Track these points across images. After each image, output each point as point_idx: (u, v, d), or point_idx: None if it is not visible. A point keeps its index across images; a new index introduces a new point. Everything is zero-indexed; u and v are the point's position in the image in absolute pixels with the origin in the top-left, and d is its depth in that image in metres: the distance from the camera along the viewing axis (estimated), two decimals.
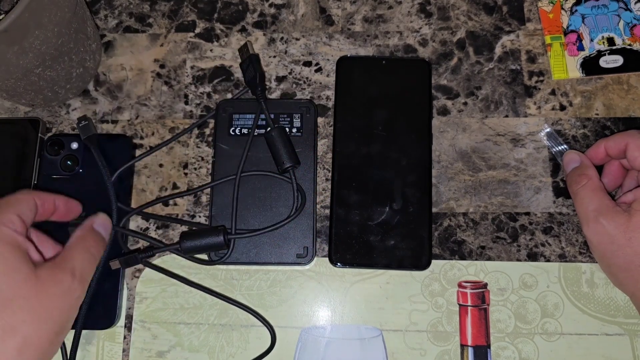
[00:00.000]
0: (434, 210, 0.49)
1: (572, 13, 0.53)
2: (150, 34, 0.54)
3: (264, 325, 0.46)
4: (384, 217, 0.47)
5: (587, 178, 0.44)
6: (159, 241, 0.49)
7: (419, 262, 0.47)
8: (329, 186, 0.49)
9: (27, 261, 0.35)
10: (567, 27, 0.52)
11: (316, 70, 0.53)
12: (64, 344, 0.45)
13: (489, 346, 0.46)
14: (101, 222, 0.44)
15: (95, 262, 0.41)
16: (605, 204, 0.42)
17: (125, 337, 0.47)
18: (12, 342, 0.33)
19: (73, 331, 0.45)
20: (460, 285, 0.47)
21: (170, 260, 0.48)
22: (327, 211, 0.49)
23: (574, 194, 0.45)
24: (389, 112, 0.50)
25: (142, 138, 0.51)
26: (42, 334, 0.34)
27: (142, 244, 0.49)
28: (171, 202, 0.50)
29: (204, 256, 0.47)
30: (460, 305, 0.47)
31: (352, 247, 0.47)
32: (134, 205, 0.50)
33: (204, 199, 0.50)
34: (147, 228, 0.49)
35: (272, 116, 0.50)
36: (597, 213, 0.42)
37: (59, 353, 0.45)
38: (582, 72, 0.51)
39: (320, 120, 0.51)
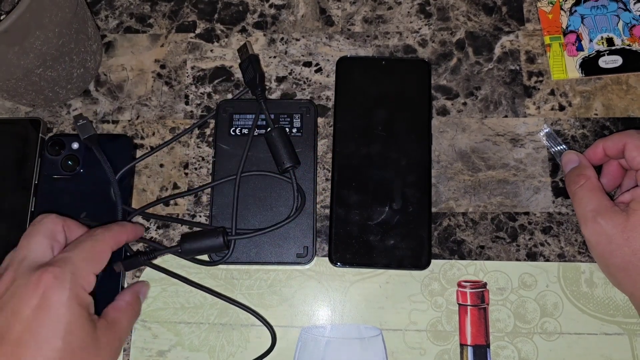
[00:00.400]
0: (433, 210, 0.49)
1: (571, 13, 0.53)
2: (151, 34, 0.54)
3: (264, 325, 0.46)
4: (384, 217, 0.47)
5: (585, 178, 0.44)
6: (159, 244, 0.49)
7: (419, 262, 0.47)
8: (329, 186, 0.50)
9: (91, 320, 0.38)
10: (567, 28, 0.53)
11: (316, 71, 0.53)
12: None
13: (488, 345, 0.46)
14: (145, 292, 0.47)
15: (132, 327, 0.45)
16: (604, 204, 0.43)
17: None
18: None
19: None
20: (459, 285, 0.47)
21: (170, 260, 0.48)
22: (327, 211, 0.49)
23: (573, 194, 0.45)
24: (388, 113, 0.50)
25: (142, 138, 0.52)
26: None
27: (142, 245, 0.49)
28: (172, 202, 0.50)
29: (205, 256, 0.47)
30: (459, 304, 0.47)
31: (352, 247, 0.47)
32: (134, 205, 0.50)
33: (205, 199, 0.50)
34: (148, 228, 0.50)
35: (272, 116, 0.50)
36: (595, 213, 0.42)
37: None
38: (582, 73, 0.51)
39: (320, 120, 0.51)
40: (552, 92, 0.51)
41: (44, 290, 0.36)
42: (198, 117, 0.52)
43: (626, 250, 0.41)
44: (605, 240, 0.42)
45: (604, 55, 0.52)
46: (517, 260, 0.48)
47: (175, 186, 0.50)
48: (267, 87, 0.52)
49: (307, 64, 0.53)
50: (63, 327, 0.35)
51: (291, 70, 0.53)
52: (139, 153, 0.51)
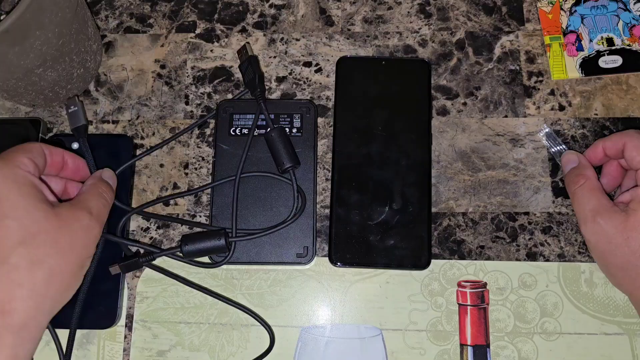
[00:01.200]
0: (433, 210, 0.49)
1: (571, 13, 0.53)
2: (151, 34, 0.54)
3: (263, 326, 0.46)
4: (384, 216, 0.47)
5: (584, 178, 0.44)
6: (157, 247, 0.49)
7: (419, 262, 0.47)
8: (329, 186, 0.50)
9: (44, 200, 0.37)
10: (567, 28, 0.53)
11: (316, 71, 0.53)
12: (59, 343, 0.45)
13: (488, 345, 0.46)
14: (109, 175, 0.46)
15: (108, 206, 0.43)
16: (603, 204, 0.42)
17: (126, 337, 0.47)
18: (39, 273, 0.35)
19: (68, 330, 0.45)
20: (459, 285, 0.47)
21: (170, 260, 0.48)
22: (327, 211, 0.49)
23: (572, 194, 0.45)
24: (388, 113, 0.50)
25: (142, 138, 0.52)
26: (66, 267, 0.36)
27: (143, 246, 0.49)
28: (172, 201, 0.50)
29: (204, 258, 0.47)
30: (459, 304, 0.47)
31: (352, 247, 0.47)
32: (134, 205, 0.50)
33: (205, 198, 0.50)
34: (148, 228, 0.50)
35: (272, 116, 0.50)
36: (594, 213, 0.42)
37: (55, 353, 0.45)
38: (581, 73, 0.51)
39: (320, 120, 0.51)
40: (552, 92, 0.51)
41: None
42: (198, 117, 0.52)
43: (626, 250, 0.41)
44: (605, 240, 0.42)
45: (603, 55, 0.52)
46: (517, 260, 0.48)
47: (175, 186, 0.50)
48: (267, 87, 0.52)
49: (307, 64, 0.53)
50: (6, 205, 0.35)
51: (291, 70, 0.53)
52: (139, 153, 0.51)
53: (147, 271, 0.48)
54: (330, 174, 0.50)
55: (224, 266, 0.48)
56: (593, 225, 0.42)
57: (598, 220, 0.42)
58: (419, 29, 0.54)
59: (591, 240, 0.43)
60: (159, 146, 0.51)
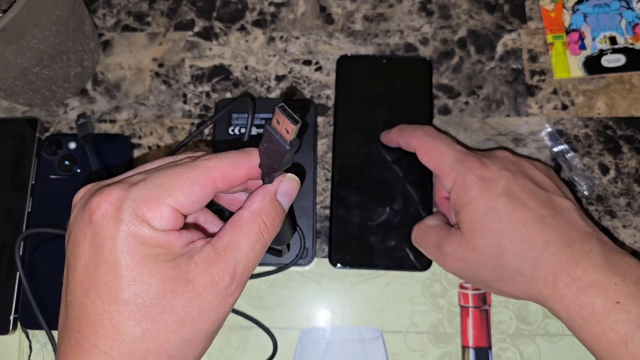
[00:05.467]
0: (434, 210, 0.48)
1: (573, 12, 0.52)
2: (149, 32, 0.54)
3: (265, 333, 0.46)
4: (385, 217, 0.47)
5: (416, 226, 0.44)
6: None
7: (420, 263, 0.46)
8: (329, 186, 0.49)
9: (171, 265, 0.27)
10: (569, 26, 0.52)
11: (316, 69, 0.52)
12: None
13: (490, 347, 0.46)
14: (287, 190, 0.31)
15: (264, 251, 0.30)
16: (440, 234, 0.41)
17: None
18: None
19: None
20: (461, 287, 0.47)
21: None
22: (327, 211, 0.49)
23: (419, 247, 0.44)
24: (389, 112, 0.49)
25: (140, 138, 0.51)
26: (188, 351, 0.28)
27: None
28: None
29: None
30: (461, 306, 0.47)
31: (352, 248, 0.47)
32: None
33: None
34: None
35: (271, 116, 0.49)
36: (438, 246, 0.41)
37: (51, 355, 0.45)
38: (584, 72, 0.51)
39: (320, 119, 0.51)
40: (554, 91, 0.51)
41: (95, 224, 0.27)
42: (197, 116, 0.51)
43: (481, 259, 0.39)
44: (463, 263, 0.40)
45: (606, 54, 0.51)
46: None
47: None
48: (266, 86, 0.52)
49: (307, 63, 0.52)
50: (122, 275, 0.26)
51: (291, 68, 0.52)
52: (136, 153, 0.51)
53: None
54: (330, 174, 0.49)
55: None
56: (444, 258, 0.41)
57: (445, 251, 0.40)
58: (420, 27, 0.53)
59: (458, 273, 0.41)
60: (173, 151, 0.50)
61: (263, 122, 0.49)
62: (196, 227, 0.33)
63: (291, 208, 0.46)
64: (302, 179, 0.43)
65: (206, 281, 0.28)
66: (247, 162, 0.30)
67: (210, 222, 0.33)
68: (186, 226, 0.29)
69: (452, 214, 0.42)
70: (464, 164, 0.41)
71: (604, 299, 0.34)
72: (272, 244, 0.35)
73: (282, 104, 0.27)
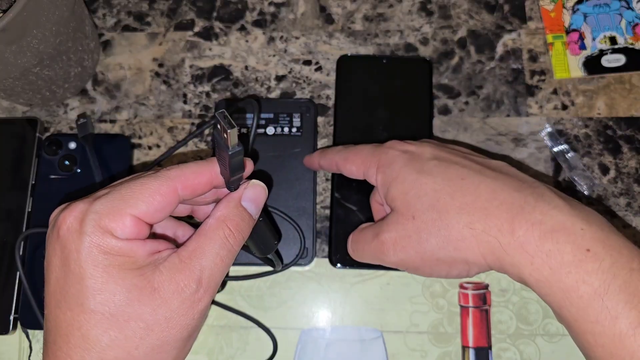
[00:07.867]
0: None
1: (573, 12, 0.52)
2: (149, 32, 0.54)
3: (266, 333, 0.46)
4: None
5: (350, 235, 0.41)
6: None
7: None
8: (329, 186, 0.49)
9: (136, 274, 0.28)
10: (569, 26, 0.52)
11: (316, 69, 0.52)
12: None
13: (490, 347, 0.46)
14: (252, 195, 0.32)
15: (231, 256, 0.31)
16: (374, 228, 0.38)
17: None
18: None
19: None
20: (461, 287, 0.47)
21: None
22: (327, 211, 0.49)
23: (361, 255, 0.40)
24: (389, 112, 0.49)
25: (140, 138, 0.51)
26: (158, 358, 0.29)
27: None
28: None
29: None
30: (461, 306, 0.47)
31: None
32: None
33: None
34: None
35: (271, 116, 0.49)
36: (376, 238, 0.37)
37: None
38: (584, 71, 0.51)
39: (320, 119, 0.51)
40: (554, 91, 0.51)
41: (61, 238, 0.28)
42: (197, 116, 0.51)
43: (424, 226, 0.34)
44: (406, 240, 0.35)
45: (606, 54, 0.51)
46: None
47: None
48: (266, 86, 0.52)
49: (307, 63, 0.52)
50: (88, 285, 0.27)
51: (291, 69, 0.52)
52: (136, 153, 0.51)
53: None
54: (330, 174, 0.49)
55: None
56: (384, 245, 0.36)
57: (383, 237, 0.36)
58: (420, 27, 0.53)
59: (402, 256, 0.36)
60: (169, 153, 0.50)
61: (263, 122, 0.49)
62: (175, 241, 0.34)
63: (271, 217, 0.46)
64: (268, 185, 0.39)
65: (172, 289, 0.28)
66: (208, 170, 0.31)
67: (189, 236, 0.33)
68: (154, 236, 0.30)
69: (387, 208, 0.39)
70: (383, 147, 0.39)
71: (572, 246, 0.30)
72: (256, 253, 0.36)
73: (223, 109, 0.29)
